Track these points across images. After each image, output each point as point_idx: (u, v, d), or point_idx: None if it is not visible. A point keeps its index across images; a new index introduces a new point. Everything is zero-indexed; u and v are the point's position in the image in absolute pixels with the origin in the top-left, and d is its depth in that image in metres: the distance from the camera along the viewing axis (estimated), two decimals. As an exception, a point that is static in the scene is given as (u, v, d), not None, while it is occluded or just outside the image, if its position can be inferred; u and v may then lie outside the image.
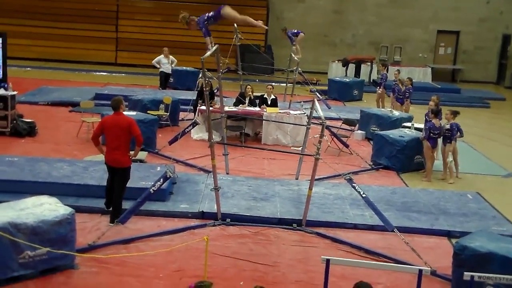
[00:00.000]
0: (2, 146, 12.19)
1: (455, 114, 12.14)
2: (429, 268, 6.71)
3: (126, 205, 8.69)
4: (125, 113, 9.30)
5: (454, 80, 27.93)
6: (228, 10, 10.61)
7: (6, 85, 13.27)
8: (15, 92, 13.40)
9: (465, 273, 5.96)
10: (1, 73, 13.45)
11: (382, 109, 15.82)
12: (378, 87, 18.65)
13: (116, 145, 8.65)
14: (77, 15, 25.55)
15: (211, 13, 10.75)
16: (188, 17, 10.72)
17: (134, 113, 12.85)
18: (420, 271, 5.99)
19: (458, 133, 12.05)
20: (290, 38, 18.72)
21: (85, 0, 25.91)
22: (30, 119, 13.63)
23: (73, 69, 23.96)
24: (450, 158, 12.25)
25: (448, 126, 11.99)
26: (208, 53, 9.48)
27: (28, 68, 22.96)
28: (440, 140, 12.22)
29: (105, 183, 9.22)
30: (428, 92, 20.16)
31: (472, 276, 5.87)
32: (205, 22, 10.69)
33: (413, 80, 17.74)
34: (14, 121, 13.13)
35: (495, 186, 12.20)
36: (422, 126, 13.00)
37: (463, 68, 28.13)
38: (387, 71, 19.04)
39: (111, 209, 8.86)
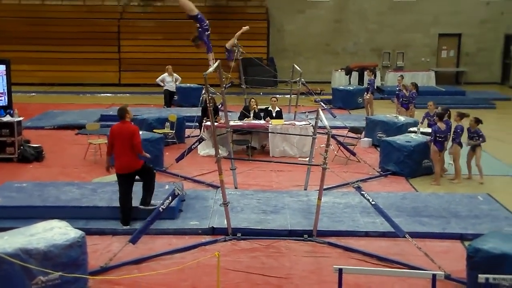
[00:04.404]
0: (11, 173, 12.23)
1: (461, 116, 12.12)
2: (443, 272, 6.66)
3: (136, 225, 8.74)
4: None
5: (458, 83, 27.93)
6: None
7: (11, 112, 13.34)
8: (21, 118, 13.48)
9: (479, 275, 5.93)
10: (7, 99, 13.52)
11: (388, 115, 15.79)
12: (366, 93, 18.74)
13: (121, 152, 8.96)
14: (79, 38, 25.76)
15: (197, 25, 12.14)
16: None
17: (140, 132, 12.84)
18: (434, 275, 5.95)
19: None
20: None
21: (86, 23, 26.16)
22: (37, 144, 13.69)
23: (77, 92, 24.11)
24: (450, 161, 12.32)
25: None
26: (211, 69, 9.54)
27: (33, 94, 23.09)
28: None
29: (114, 204, 9.26)
30: (433, 96, 20.11)
31: (487, 279, 5.85)
32: (206, 34, 11.27)
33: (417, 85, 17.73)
34: (21, 147, 13.19)
35: (505, 186, 12.12)
36: (428, 130, 13.00)
37: (466, 70, 28.13)
38: (375, 76, 19.42)
39: (127, 225, 9.05)
